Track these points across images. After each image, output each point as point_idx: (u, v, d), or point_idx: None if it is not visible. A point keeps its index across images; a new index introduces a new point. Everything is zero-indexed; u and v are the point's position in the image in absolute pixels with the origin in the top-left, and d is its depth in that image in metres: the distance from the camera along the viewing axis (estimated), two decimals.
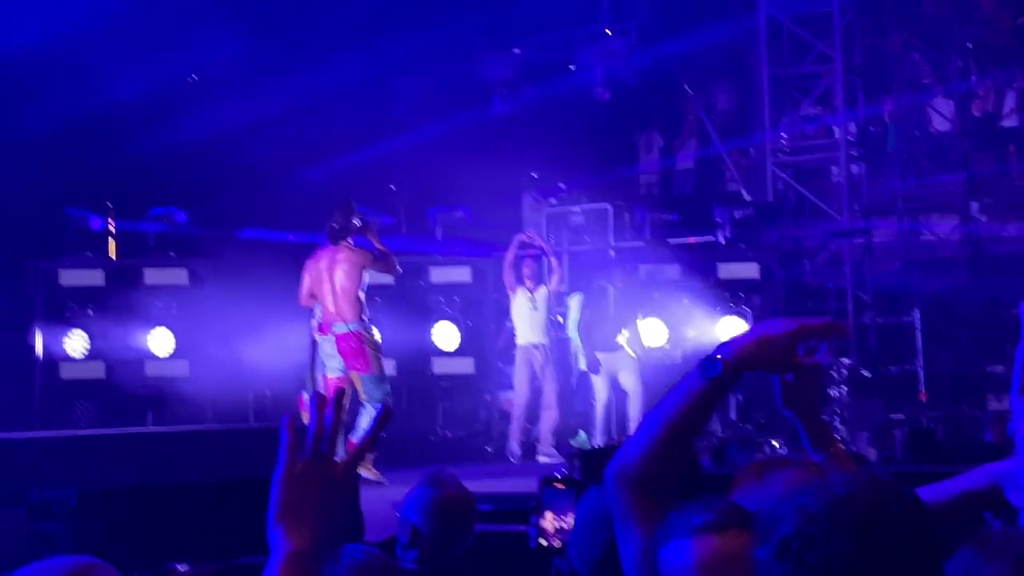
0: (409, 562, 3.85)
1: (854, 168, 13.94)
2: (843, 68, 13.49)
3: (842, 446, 2.93)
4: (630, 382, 11.42)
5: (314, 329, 9.91)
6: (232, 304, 11.61)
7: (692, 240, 13.76)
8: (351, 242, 9.90)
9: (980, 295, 13.18)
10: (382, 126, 15.24)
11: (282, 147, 13.99)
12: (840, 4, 13.45)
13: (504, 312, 12.61)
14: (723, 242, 12.91)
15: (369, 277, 9.86)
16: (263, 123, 13.28)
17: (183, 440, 9.21)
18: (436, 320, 12.68)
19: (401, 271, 10.62)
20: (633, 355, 11.58)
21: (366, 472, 9.22)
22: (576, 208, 14.52)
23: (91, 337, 11.51)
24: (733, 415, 12.94)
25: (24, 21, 11.74)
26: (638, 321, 11.89)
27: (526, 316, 11.96)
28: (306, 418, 2.34)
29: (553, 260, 12.35)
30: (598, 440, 11.57)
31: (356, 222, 9.94)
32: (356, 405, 9.50)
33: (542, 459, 11.57)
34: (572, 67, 15.02)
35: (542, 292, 11.99)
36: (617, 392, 11.49)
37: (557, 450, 11.52)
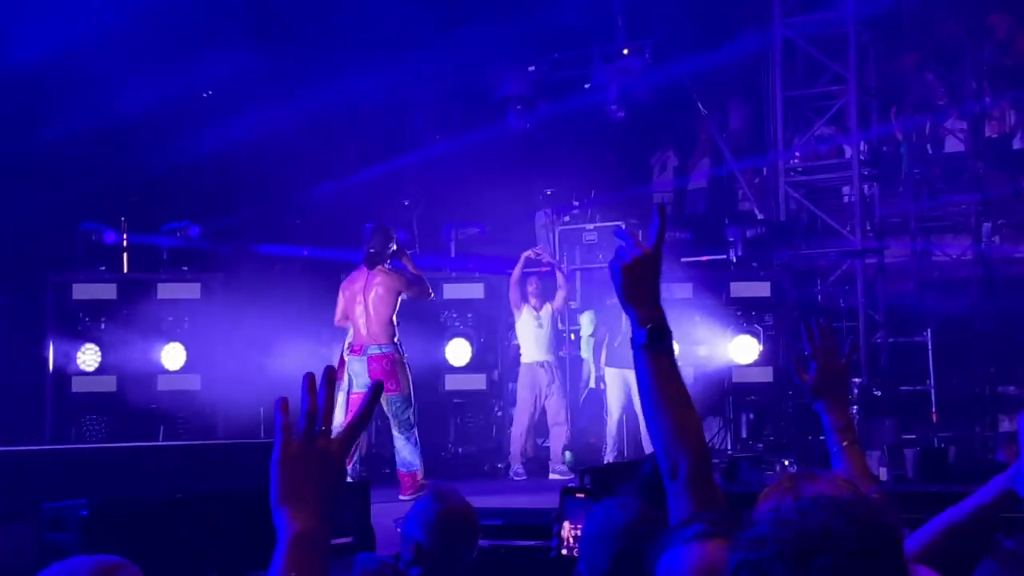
0: None
1: (867, 188, 13.93)
2: (857, 89, 13.49)
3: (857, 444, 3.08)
4: None
5: (346, 350, 10.01)
6: (244, 319, 11.65)
7: (705, 259, 13.76)
8: (387, 266, 10.01)
9: (992, 316, 13.15)
10: (397, 142, 15.30)
11: (296, 162, 14.05)
12: (854, 25, 13.46)
13: None
14: (735, 261, 12.91)
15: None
16: (278, 138, 13.34)
17: (194, 454, 9.23)
18: (449, 337, 12.69)
19: (433, 295, 10.73)
20: None
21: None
22: (589, 226, 14.53)
23: (103, 350, 11.52)
24: (744, 434, 12.94)
25: (41, 35, 11.80)
26: None
27: (531, 334, 11.97)
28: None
29: (560, 277, 12.36)
30: (609, 456, 11.55)
31: (393, 246, 10.08)
32: (387, 431, 9.65)
33: (554, 476, 11.57)
34: (587, 85, 15.06)
35: (547, 310, 12.00)
36: (631, 409, 11.48)
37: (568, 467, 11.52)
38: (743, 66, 15.14)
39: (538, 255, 12.40)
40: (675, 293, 12.66)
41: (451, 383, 12.65)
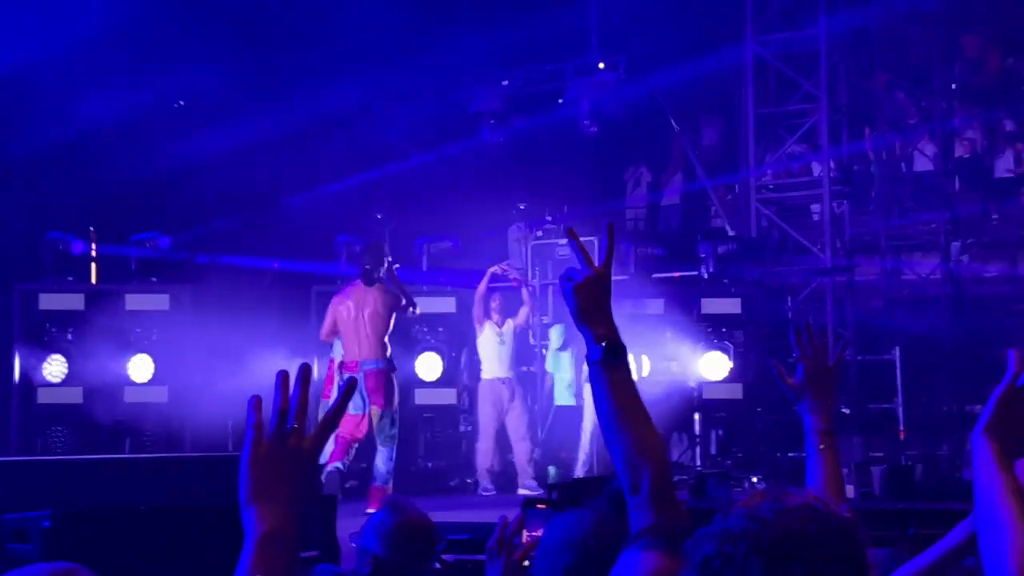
0: None
1: (837, 206, 13.99)
2: (828, 107, 13.56)
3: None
4: None
5: (336, 369, 10.06)
6: (213, 331, 11.57)
7: (676, 275, 13.79)
8: (384, 283, 10.09)
9: (961, 335, 13.22)
10: (369, 155, 15.26)
11: (267, 174, 14.00)
12: (826, 44, 13.53)
13: None
14: (706, 277, 12.95)
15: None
16: (249, 150, 13.29)
17: (161, 467, 9.16)
18: (420, 351, 12.64)
19: (417, 310, 10.76)
20: None
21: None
22: (562, 241, 14.51)
23: (70, 361, 11.41)
24: (713, 450, 12.95)
25: (9, 44, 11.73)
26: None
27: (493, 350, 11.96)
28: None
29: (526, 293, 12.37)
30: (580, 471, 11.54)
31: (387, 262, 10.14)
32: (372, 448, 9.75)
33: (522, 491, 11.55)
34: (560, 100, 15.07)
35: (509, 326, 12.00)
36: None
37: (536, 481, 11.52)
38: (716, 83, 15.20)
39: (504, 271, 12.39)
40: (647, 309, 12.68)
41: (421, 397, 12.60)
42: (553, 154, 15.69)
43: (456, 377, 12.91)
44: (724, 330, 12.51)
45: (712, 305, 12.59)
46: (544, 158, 15.64)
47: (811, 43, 13.62)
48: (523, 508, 4.22)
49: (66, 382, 11.43)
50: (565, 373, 12.35)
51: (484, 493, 11.71)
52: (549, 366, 12.46)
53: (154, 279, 12.17)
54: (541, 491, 10.62)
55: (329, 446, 9.83)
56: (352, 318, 9.96)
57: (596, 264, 2.58)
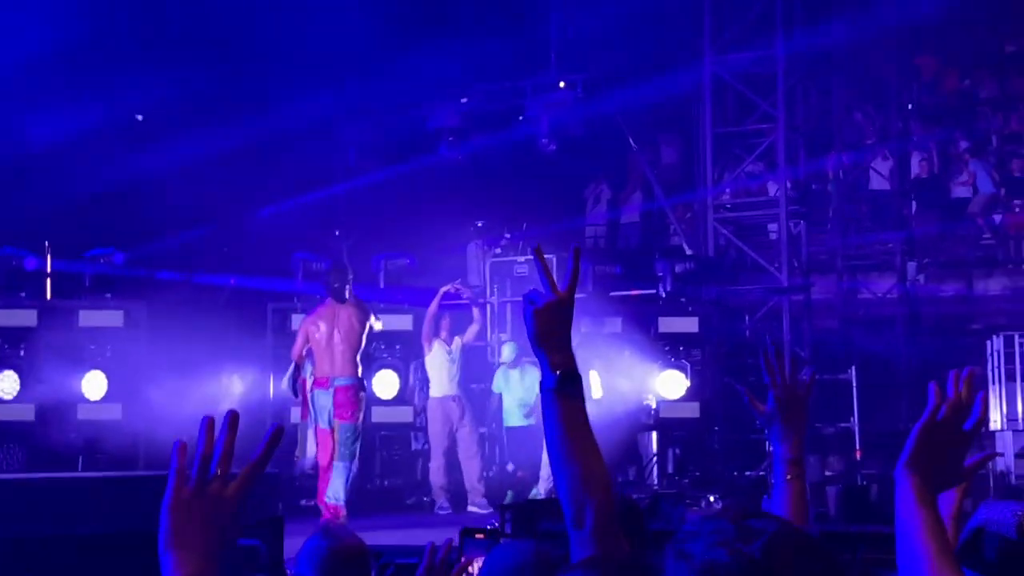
0: None
1: (794, 226, 14.06)
2: (785, 127, 13.63)
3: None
4: None
5: (309, 386, 10.03)
6: (167, 348, 11.48)
7: (634, 293, 13.80)
8: (355, 300, 10.09)
9: (917, 354, 13.30)
10: (328, 171, 15.22)
11: (224, 190, 13.92)
12: (784, 64, 13.61)
13: None
14: (664, 296, 12.96)
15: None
16: (205, 166, 13.21)
17: (114, 486, 9.07)
18: (376, 368, 12.57)
19: (380, 329, 10.77)
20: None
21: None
22: (521, 258, 14.51)
23: (21, 378, 11.28)
24: (670, 469, 12.95)
25: None
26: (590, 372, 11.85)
27: (443, 368, 11.92)
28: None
29: (476, 312, 12.35)
30: (541, 491, 11.47)
31: (350, 279, 10.15)
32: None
33: (472, 509, 11.51)
34: (520, 117, 15.09)
35: (457, 344, 11.96)
36: None
37: (487, 500, 11.48)
38: (674, 102, 15.25)
39: (457, 289, 12.34)
40: (604, 327, 12.67)
41: (377, 415, 12.52)
42: (512, 171, 15.69)
43: (411, 395, 12.84)
44: (681, 348, 12.53)
45: (670, 324, 12.61)
46: (503, 175, 15.64)
47: (769, 64, 13.70)
48: (461, 537, 4.19)
49: (18, 399, 11.30)
50: (516, 392, 12.28)
51: (440, 512, 11.66)
52: (497, 385, 12.38)
53: (108, 295, 12.06)
54: (491, 510, 10.58)
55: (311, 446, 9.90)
56: (324, 337, 9.95)
57: (560, 288, 2.55)
